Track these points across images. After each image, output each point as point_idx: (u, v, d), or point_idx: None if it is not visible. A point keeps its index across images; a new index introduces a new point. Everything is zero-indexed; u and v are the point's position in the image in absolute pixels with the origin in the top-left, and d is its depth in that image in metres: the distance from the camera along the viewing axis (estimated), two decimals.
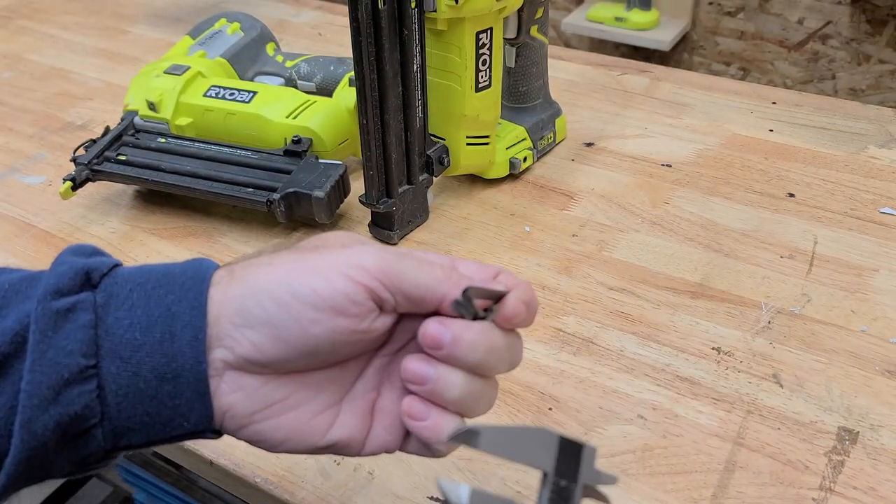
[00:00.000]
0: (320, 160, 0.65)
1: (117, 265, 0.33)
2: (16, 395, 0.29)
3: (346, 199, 0.66)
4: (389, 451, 0.35)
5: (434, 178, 0.66)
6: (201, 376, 0.31)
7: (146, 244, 0.66)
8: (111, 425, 0.31)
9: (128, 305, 0.31)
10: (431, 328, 0.31)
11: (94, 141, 0.69)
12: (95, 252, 0.34)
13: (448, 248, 0.63)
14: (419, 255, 0.33)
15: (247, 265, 0.33)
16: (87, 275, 0.31)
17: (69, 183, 0.66)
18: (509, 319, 0.32)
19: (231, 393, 0.32)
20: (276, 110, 0.69)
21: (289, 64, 0.78)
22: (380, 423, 0.34)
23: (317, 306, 0.31)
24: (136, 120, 0.72)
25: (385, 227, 0.64)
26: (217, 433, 0.33)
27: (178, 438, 0.32)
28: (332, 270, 0.31)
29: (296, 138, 0.66)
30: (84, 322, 0.30)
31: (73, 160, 0.67)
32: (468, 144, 0.65)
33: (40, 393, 0.29)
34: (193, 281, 0.32)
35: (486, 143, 0.67)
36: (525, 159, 0.71)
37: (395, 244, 0.64)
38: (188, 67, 0.72)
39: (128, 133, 0.70)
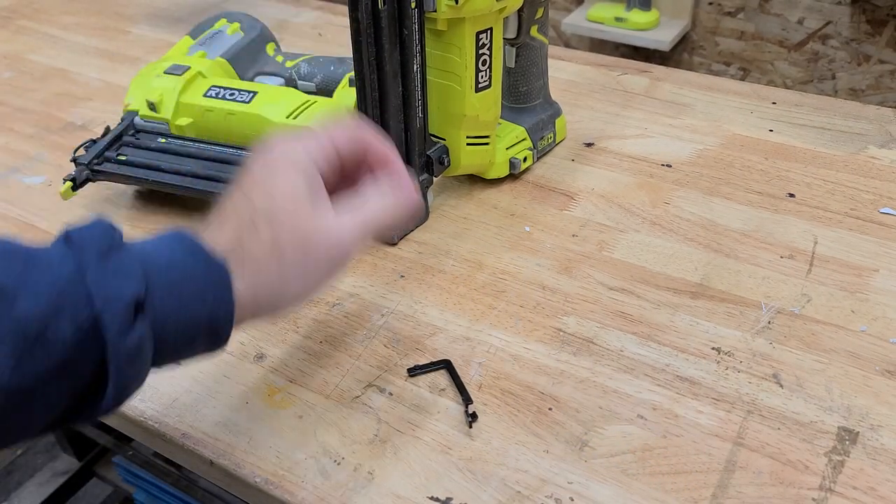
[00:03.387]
0: None
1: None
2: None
3: None
4: None
5: (434, 178, 0.66)
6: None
7: None
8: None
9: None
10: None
11: (94, 141, 0.69)
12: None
13: (448, 248, 0.63)
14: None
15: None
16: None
17: (69, 183, 0.66)
18: None
19: None
20: (277, 110, 0.69)
21: (289, 64, 0.78)
22: None
23: None
24: (137, 120, 0.72)
25: None
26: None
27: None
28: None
29: None
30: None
31: (74, 160, 0.67)
32: (468, 144, 0.65)
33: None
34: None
35: (486, 144, 0.67)
36: (525, 159, 0.71)
37: (394, 244, 0.64)
38: (188, 67, 0.72)
39: (128, 133, 0.70)
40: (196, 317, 0.36)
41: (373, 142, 0.44)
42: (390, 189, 0.43)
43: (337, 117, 0.44)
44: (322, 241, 0.39)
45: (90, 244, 0.34)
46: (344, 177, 0.44)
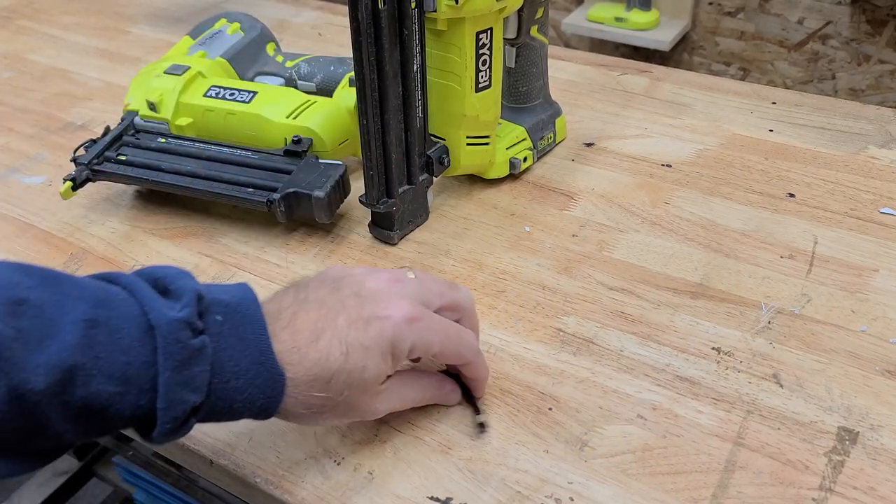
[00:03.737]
0: (320, 160, 0.65)
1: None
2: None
3: (346, 200, 0.66)
4: None
5: (434, 179, 0.66)
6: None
7: (146, 244, 0.66)
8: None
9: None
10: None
11: (94, 141, 0.69)
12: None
13: (448, 248, 0.63)
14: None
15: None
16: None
17: (69, 183, 0.66)
18: None
19: None
20: (277, 110, 0.69)
21: (289, 64, 0.78)
22: None
23: None
24: (137, 120, 0.72)
25: (385, 227, 0.64)
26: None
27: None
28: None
29: (296, 138, 0.67)
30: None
31: (74, 160, 0.67)
32: (468, 144, 0.65)
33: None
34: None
35: (486, 144, 0.67)
36: (525, 159, 0.71)
37: (394, 244, 0.64)
38: (188, 67, 0.73)
39: (128, 133, 0.70)
40: (240, 414, 0.40)
41: (473, 365, 0.48)
42: (438, 384, 0.49)
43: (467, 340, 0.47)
44: (359, 412, 0.44)
45: (171, 349, 0.37)
46: None
